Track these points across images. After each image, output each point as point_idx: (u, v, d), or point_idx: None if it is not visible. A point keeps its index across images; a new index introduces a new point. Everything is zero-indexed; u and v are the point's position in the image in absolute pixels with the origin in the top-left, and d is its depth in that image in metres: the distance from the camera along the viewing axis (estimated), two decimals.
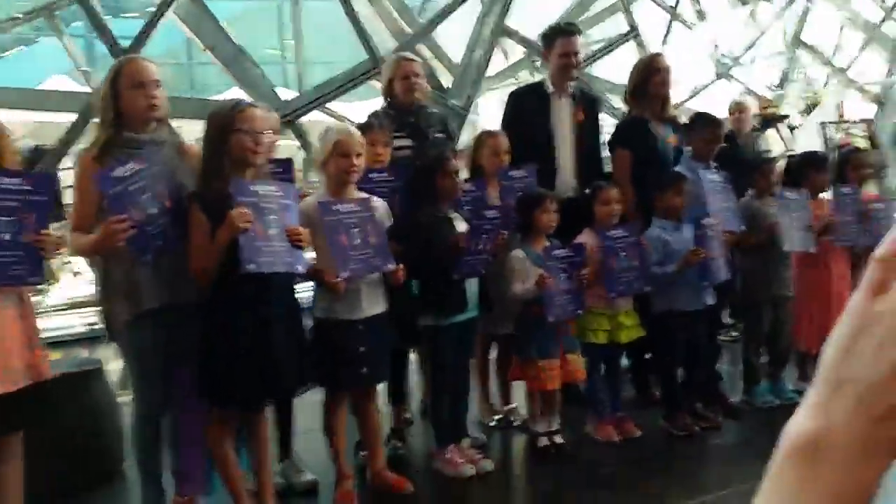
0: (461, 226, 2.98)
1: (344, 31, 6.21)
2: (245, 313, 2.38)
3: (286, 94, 6.78)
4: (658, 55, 3.80)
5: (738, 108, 5.57)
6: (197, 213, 2.34)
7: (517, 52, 8.11)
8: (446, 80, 6.90)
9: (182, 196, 2.38)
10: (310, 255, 2.72)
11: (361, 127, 2.86)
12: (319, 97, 5.95)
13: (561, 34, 3.65)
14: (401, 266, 2.66)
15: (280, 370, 2.43)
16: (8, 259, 1.98)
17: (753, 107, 5.74)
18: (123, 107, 2.38)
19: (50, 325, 6.21)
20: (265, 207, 2.33)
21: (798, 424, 0.43)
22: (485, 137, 3.50)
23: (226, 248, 2.29)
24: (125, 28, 6.14)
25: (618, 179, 3.49)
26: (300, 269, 2.44)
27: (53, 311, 6.52)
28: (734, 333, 4.41)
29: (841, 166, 4.00)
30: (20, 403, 2.09)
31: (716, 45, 8.64)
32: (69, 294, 7.31)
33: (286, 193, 2.41)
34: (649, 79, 3.62)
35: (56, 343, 5.05)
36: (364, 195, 2.72)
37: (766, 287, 3.62)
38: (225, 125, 2.36)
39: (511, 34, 6.86)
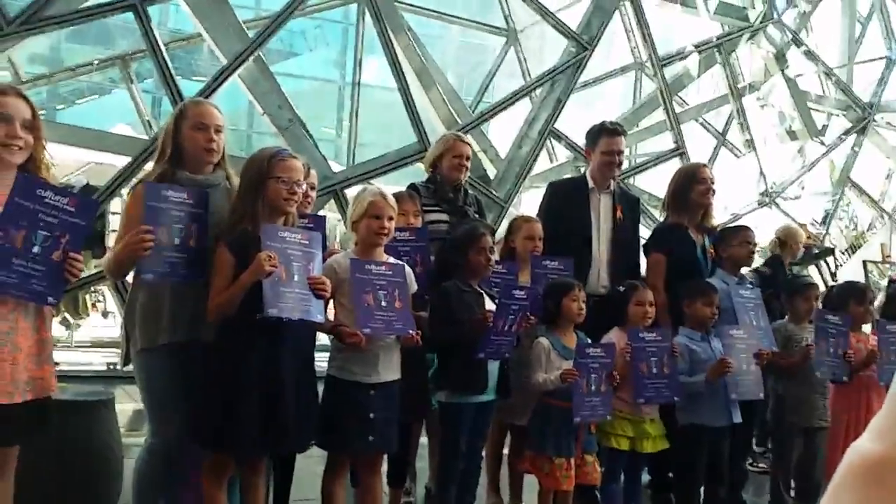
0: (490, 304, 2.93)
1: (398, 118, 6.44)
2: (256, 360, 2.33)
3: (337, 168, 6.97)
4: (703, 165, 3.79)
5: (785, 235, 5.48)
6: (223, 253, 2.34)
7: (563, 155, 8.29)
8: (491, 172, 7.05)
9: (213, 235, 2.40)
10: (329, 312, 2.70)
11: (394, 196, 2.88)
12: (368, 172, 6.09)
13: (606, 132, 3.70)
14: (419, 332, 2.60)
15: (284, 424, 2.35)
16: (31, 272, 1.97)
17: (802, 237, 5.62)
18: (183, 145, 2.45)
19: (71, 359, 6.24)
20: (291, 254, 2.34)
21: (864, 446, 0.40)
22: (520, 222, 3.51)
23: (247, 290, 2.28)
24: (194, 89, 6.44)
25: (651, 283, 3.43)
26: (319, 318, 2.41)
27: (77, 346, 6.55)
28: (762, 465, 4.19)
29: (892, 301, 3.90)
30: (19, 418, 2.04)
31: (761, 175, 8.70)
32: (95, 333, 7.39)
33: (312, 242, 2.41)
34: (691, 187, 3.61)
35: (73, 377, 5.04)
36: (396, 261, 2.71)
37: (796, 414, 3.45)
38: (262, 171, 2.40)
39: (559, 137, 7.03)
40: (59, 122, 10.61)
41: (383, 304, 2.51)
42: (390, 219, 2.67)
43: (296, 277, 2.32)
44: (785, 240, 5.45)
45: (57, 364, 5.65)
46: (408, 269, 2.76)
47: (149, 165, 2.57)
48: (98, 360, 6.18)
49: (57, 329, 7.25)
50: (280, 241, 2.33)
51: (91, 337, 7.12)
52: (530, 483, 3.27)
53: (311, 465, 2.84)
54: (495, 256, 3.18)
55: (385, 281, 2.55)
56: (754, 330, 3.33)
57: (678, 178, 3.69)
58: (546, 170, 7.82)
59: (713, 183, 3.63)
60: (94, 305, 6.56)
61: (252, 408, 2.31)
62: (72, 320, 6.74)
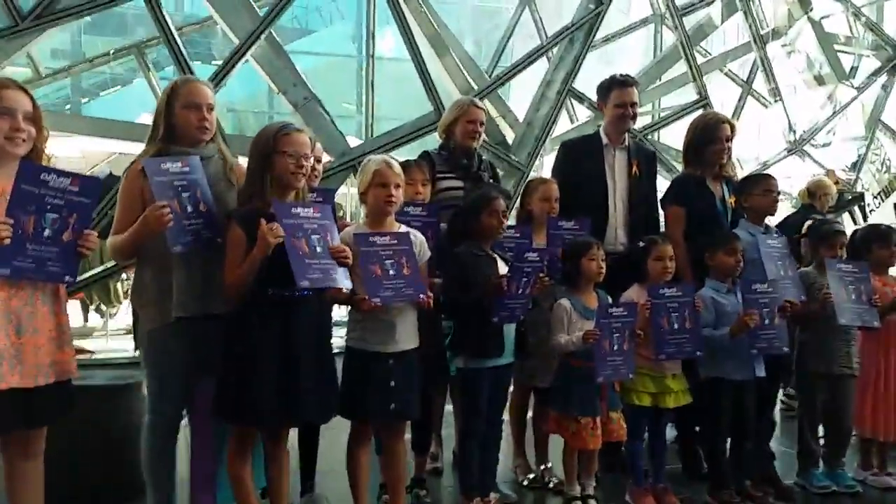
0: (503, 268, 2.93)
1: (416, 90, 6.40)
2: (272, 334, 2.37)
3: (355, 143, 6.98)
4: (722, 123, 3.56)
5: (815, 186, 5.39)
6: (235, 230, 2.37)
7: (584, 115, 8.15)
8: (510, 137, 6.98)
9: (220, 209, 2.42)
10: None
11: (402, 165, 2.87)
12: (384, 145, 6.08)
13: (618, 84, 3.62)
14: (430, 294, 2.61)
15: (301, 395, 2.39)
16: (46, 255, 2.03)
17: (832, 187, 5.54)
18: (175, 124, 2.47)
19: (108, 346, 6.41)
20: (308, 228, 2.36)
21: None
22: (536, 183, 3.48)
23: (261, 265, 2.31)
24: (211, 73, 6.47)
25: (671, 237, 3.38)
26: (347, 284, 2.43)
27: (112, 334, 6.72)
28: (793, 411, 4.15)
29: None
30: (44, 401, 2.11)
31: (789, 123, 8.47)
32: (129, 320, 7.54)
33: (324, 214, 2.43)
34: (706, 146, 3.52)
35: (108, 365, 5.18)
36: (403, 228, 2.71)
37: (820, 362, 3.39)
38: (268, 147, 2.41)
39: (579, 97, 6.90)
40: (84, 114, 10.80)
41: (391, 272, 2.52)
42: (397, 186, 2.67)
43: (318, 249, 2.35)
44: (815, 190, 5.35)
45: (92, 352, 5.81)
46: (418, 235, 2.76)
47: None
48: (132, 347, 6.34)
49: (92, 318, 7.46)
50: (294, 217, 2.36)
51: (126, 324, 7.29)
52: (555, 444, 3.29)
53: (336, 434, 2.89)
54: (509, 221, 3.17)
55: (391, 251, 2.56)
56: (780, 282, 3.27)
57: (693, 132, 3.60)
58: (567, 131, 7.70)
59: (730, 140, 3.53)
60: (126, 293, 6.71)
61: (270, 380, 2.34)
62: (105, 308, 6.91)
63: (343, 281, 2.41)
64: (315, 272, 2.33)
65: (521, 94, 8.49)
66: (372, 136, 7.44)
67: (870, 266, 3.41)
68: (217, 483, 2.55)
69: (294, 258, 2.29)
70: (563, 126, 7.61)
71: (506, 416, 3.33)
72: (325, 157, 5.88)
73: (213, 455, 2.52)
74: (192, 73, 5.41)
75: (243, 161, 2.61)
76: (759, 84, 8.48)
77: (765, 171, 5.98)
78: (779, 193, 3.51)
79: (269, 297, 2.37)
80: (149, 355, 2.50)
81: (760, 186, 3.47)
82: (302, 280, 2.30)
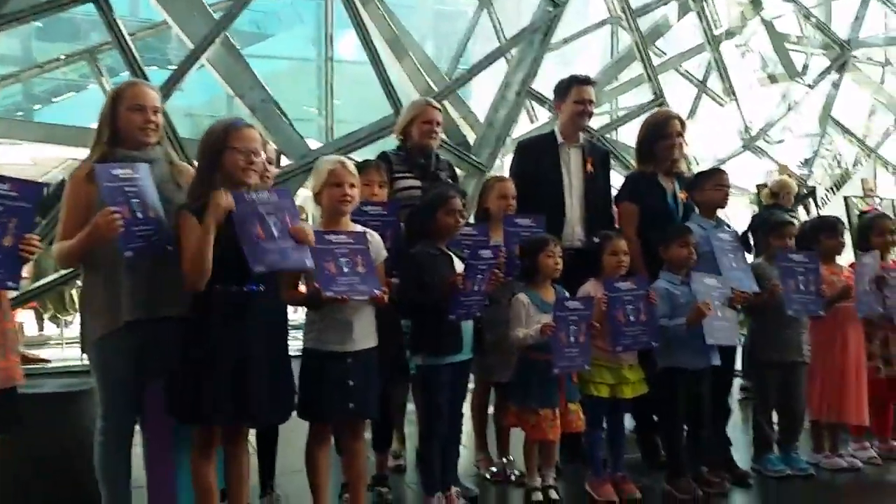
0: (460, 266, 2.95)
1: (378, 93, 6.38)
2: (225, 333, 2.34)
3: (316, 146, 6.93)
4: (672, 119, 3.64)
5: (778, 186, 5.56)
6: (188, 218, 2.34)
7: (544, 116, 8.23)
8: (471, 138, 7.02)
9: (169, 212, 2.40)
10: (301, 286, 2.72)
11: (358, 166, 2.88)
12: (344, 147, 6.05)
13: (577, 82, 3.69)
14: (385, 290, 2.62)
15: (255, 394, 2.36)
16: None
17: (794, 188, 5.76)
18: (120, 127, 2.44)
19: (63, 355, 6.29)
20: (265, 214, 2.34)
21: None
22: (492, 181, 3.53)
23: (218, 254, 2.29)
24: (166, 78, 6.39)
25: (625, 233, 3.44)
26: (309, 264, 2.42)
27: (68, 343, 6.59)
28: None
29: (863, 232, 3.90)
30: None
31: (744, 120, 8.65)
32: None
33: (283, 197, 2.41)
34: (657, 141, 3.60)
35: (64, 373, 5.07)
36: (359, 228, 2.72)
37: (771, 350, 3.49)
38: (218, 143, 2.39)
39: (541, 100, 6.97)
40: (36, 121, 10.57)
41: (345, 270, 2.53)
42: (352, 186, 2.67)
43: (276, 234, 2.34)
44: (778, 191, 5.51)
45: (48, 361, 5.68)
46: (375, 236, 2.76)
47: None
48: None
49: (49, 328, 7.31)
50: (249, 204, 2.33)
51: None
52: (516, 438, 3.32)
53: (295, 435, 2.88)
54: (466, 220, 3.20)
55: (347, 249, 2.55)
56: (734, 273, 3.35)
57: (644, 129, 3.69)
58: (528, 132, 7.76)
59: (680, 136, 3.61)
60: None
61: (223, 380, 2.32)
62: (60, 317, 6.77)
63: (305, 261, 2.40)
64: (272, 255, 2.31)
65: (482, 96, 8.54)
66: (332, 139, 7.42)
67: (819, 256, 3.52)
68: (176, 487, 2.51)
69: (248, 244, 2.27)
70: (524, 127, 7.67)
71: (467, 413, 3.36)
72: (284, 161, 5.87)
73: (169, 459, 2.48)
74: (146, 78, 5.33)
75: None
76: (714, 83, 8.66)
77: (720, 167, 6.13)
78: (729, 188, 3.61)
79: (220, 295, 2.35)
80: (98, 362, 2.46)
81: (712, 181, 3.56)
82: (257, 265, 2.27)
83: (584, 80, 3.70)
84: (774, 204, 5.39)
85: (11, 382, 2.15)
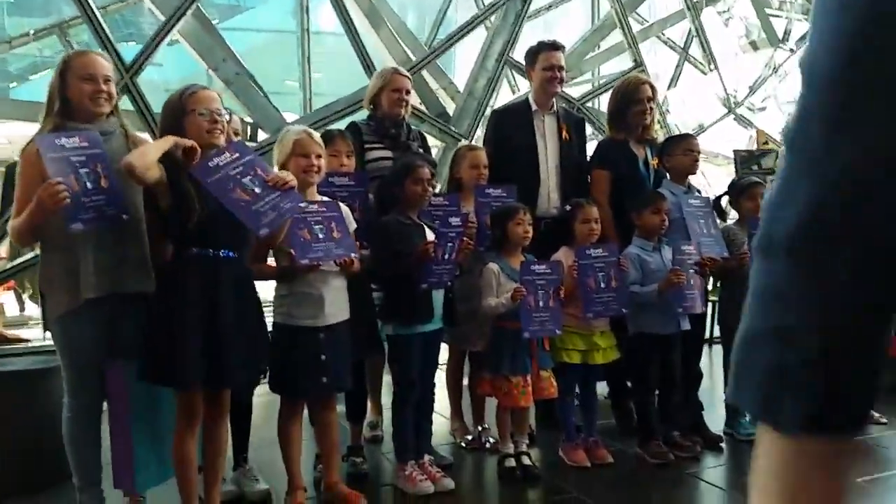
0: (431, 237, 2.94)
1: (357, 65, 6.30)
2: (197, 295, 2.31)
3: (293, 119, 6.86)
4: (641, 83, 3.64)
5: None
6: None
7: (525, 86, 8.17)
8: (451, 109, 6.96)
9: (126, 185, 2.36)
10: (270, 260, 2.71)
11: (324, 137, 2.85)
12: (321, 119, 6.00)
13: (545, 48, 3.65)
14: (357, 256, 2.61)
15: (226, 355, 2.33)
16: None
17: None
18: (71, 97, 2.39)
19: (44, 335, 6.24)
20: (236, 174, 2.31)
21: None
22: (464, 151, 3.50)
23: (186, 226, 2.28)
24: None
25: (596, 200, 3.44)
26: (303, 205, 2.43)
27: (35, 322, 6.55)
28: None
29: None
30: None
31: (724, 88, 8.62)
32: None
33: (242, 153, 2.37)
34: (629, 107, 3.58)
35: (44, 352, 5.04)
36: (327, 199, 2.70)
37: (737, 315, 3.50)
38: (177, 110, 2.36)
39: (522, 70, 6.90)
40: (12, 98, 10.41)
41: (320, 236, 2.53)
42: (318, 156, 2.65)
43: (258, 190, 2.32)
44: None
45: (28, 341, 5.64)
46: (344, 207, 2.75)
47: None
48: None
49: (30, 307, 7.25)
50: (216, 171, 2.29)
51: None
52: (491, 407, 3.35)
53: (269, 407, 2.90)
54: (436, 189, 3.18)
55: (320, 217, 2.55)
56: (704, 238, 3.36)
57: (615, 95, 3.66)
58: (508, 102, 7.71)
59: (651, 101, 3.59)
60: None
61: (195, 342, 2.29)
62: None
63: (297, 203, 2.39)
64: (267, 215, 2.31)
65: (465, 66, 8.45)
66: (311, 111, 7.34)
67: None
68: (133, 461, 2.50)
69: (238, 210, 2.25)
70: (505, 97, 7.62)
71: (443, 382, 3.38)
72: (262, 136, 5.81)
73: (128, 433, 2.47)
74: (117, 54, 5.24)
75: None
76: (697, 51, 8.61)
77: (690, 132, 6.13)
78: (699, 153, 3.60)
79: (194, 259, 2.33)
80: (61, 340, 2.43)
81: (682, 147, 3.55)
82: (260, 229, 2.28)
83: (552, 46, 3.67)
84: (751, 169, 5.41)
85: None
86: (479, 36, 6.91)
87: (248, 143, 3.44)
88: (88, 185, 2.27)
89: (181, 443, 2.41)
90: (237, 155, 2.35)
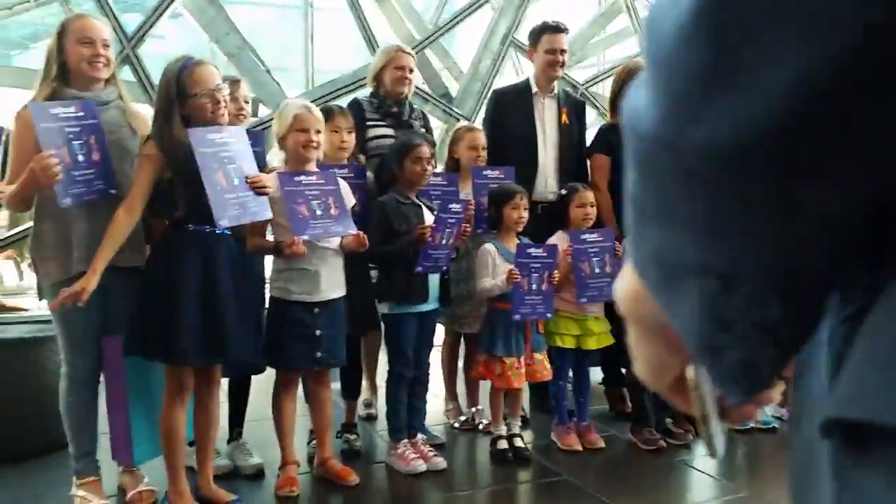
0: (429, 217, 2.94)
1: (360, 42, 6.25)
2: (191, 272, 2.31)
3: (294, 94, 6.82)
4: (643, 67, 3.63)
5: None
6: (151, 146, 2.30)
7: (529, 68, 8.12)
8: (454, 90, 6.93)
9: (121, 157, 2.35)
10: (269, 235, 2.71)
11: (325, 112, 2.83)
12: (324, 96, 5.96)
13: (549, 30, 3.62)
14: (361, 233, 2.61)
15: (225, 330, 2.34)
16: None
17: None
18: (68, 62, 2.36)
19: (42, 304, 6.26)
20: (225, 157, 2.28)
21: None
22: (462, 131, 3.48)
23: (182, 200, 2.28)
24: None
25: (595, 185, 3.43)
26: (268, 215, 2.40)
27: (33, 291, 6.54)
28: None
29: None
30: None
31: None
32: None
33: (239, 139, 2.35)
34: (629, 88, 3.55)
35: (42, 321, 5.06)
36: (327, 171, 2.69)
37: None
38: (173, 91, 2.32)
39: (524, 48, 6.86)
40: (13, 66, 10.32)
41: (318, 212, 2.51)
42: (318, 132, 2.64)
43: (235, 181, 2.29)
44: None
45: (27, 310, 5.66)
46: (342, 182, 2.74)
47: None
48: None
49: (29, 276, 7.26)
50: (210, 144, 2.26)
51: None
52: (485, 389, 3.36)
53: (263, 383, 2.91)
54: (435, 168, 3.17)
55: (318, 190, 2.54)
56: None
57: (617, 79, 3.63)
58: (508, 84, 7.66)
59: None
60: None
61: (192, 319, 2.29)
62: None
63: (262, 212, 2.36)
64: (234, 208, 2.28)
65: (468, 47, 8.39)
66: (312, 87, 7.30)
67: None
68: (131, 432, 2.52)
69: (213, 195, 2.23)
70: (509, 79, 7.57)
71: (438, 363, 3.39)
72: (263, 110, 5.78)
73: (124, 405, 2.49)
74: (118, 22, 5.20)
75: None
76: None
77: None
78: None
79: (191, 234, 2.32)
80: (54, 312, 2.42)
81: None
82: (222, 219, 2.25)
83: (555, 28, 3.63)
84: None
85: None
86: (480, 17, 6.86)
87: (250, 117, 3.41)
88: (80, 157, 2.25)
89: (170, 414, 2.42)
90: (233, 140, 2.33)
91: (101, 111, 2.35)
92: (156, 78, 5.14)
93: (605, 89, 8.19)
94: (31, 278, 7.31)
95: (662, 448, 3.21)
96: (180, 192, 2.30)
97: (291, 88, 7.12)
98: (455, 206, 2.89)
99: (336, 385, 3.06)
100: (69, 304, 2.17)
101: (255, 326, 2.53)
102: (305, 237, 2.49)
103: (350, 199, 2.73)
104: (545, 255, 3.00)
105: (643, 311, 0.52)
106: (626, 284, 0.53)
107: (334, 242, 2.67)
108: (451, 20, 6.68)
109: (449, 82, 7.22)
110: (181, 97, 2.32)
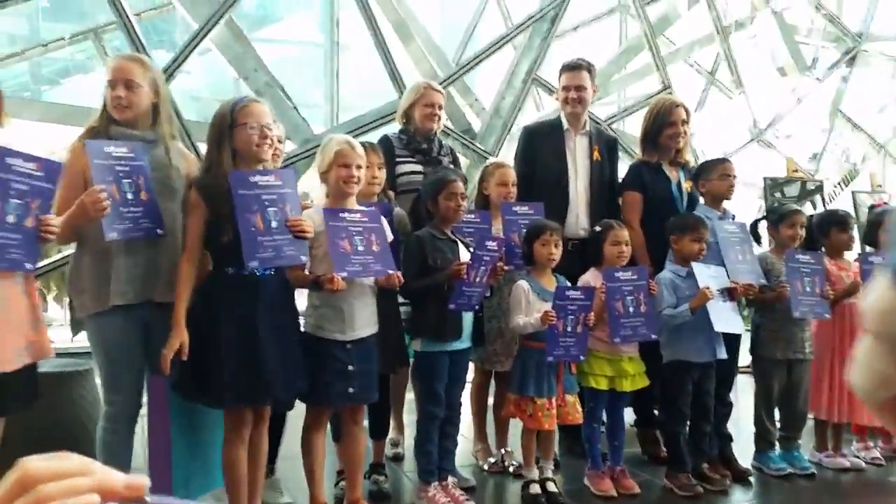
0: (464, 253, 2.91)
1: (384, 80, 6.32)
2: (233, 314, 2.32)
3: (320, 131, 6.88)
4: (676, 105, 3.60)
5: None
6: (192, 195, 2.34)
7: (550, 105, 8.15)
8: (476, 126, 6.96)
9: (165, 197, 2.37)
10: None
11: None
12: (349, 133, 6.00)
13: (565, 68, 3.64)
14: (398, 273, 2.59)
15: (266, 374, 2.34)
16: (9, 241, 1.95)
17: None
18: (106, 101, 2.43)
19: (68, 336, 6.26)
20: (266, 199, 2.29)
21: None
22: (492, 168, 3.47)
23: (221, 244, 2.30)
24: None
25: (627, 222, 3.39)
26: (304, 259, 2.38)
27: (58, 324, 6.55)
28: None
29: (872, 227, 3.83)
30: (10, 387, 2.06)
31: (752, 113, 8.57)
32: None
33: (286, 181, 2.35)
34: (662, 129, 3.55)
35: (67, 354, 5.05)
36: (370, 208, 2.69)
37: (776, 347, 3.43)
38: (225, 121, 2.36)
39: (549, 88, 6.89)
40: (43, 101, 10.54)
41: (360, 248, 2.50)
42: (359, 167, 2.63)
43: (273, 224, 2.28)
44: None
45: (52, 342, 5.68)
46: (383, 218, 2.73)
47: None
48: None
49: (53, 309, 7.29)
50: (251, 187, 2.27)
51: None
52: (515, 430, 3.29)
53: (294, 420, 2.86)
54: (467, 204, 3.15)
55: (361, 227, 2.53)
56: (739, 265, 3.30)
57: (650, 116, 3.63)
58: (534, 121, 7.69)
59: (685, 123, 3.56)
60: None
61: (231, 361, 2.30)
62: (65, 298, 6.75)
63: (298, 257, 2.35)
64: (266, 250, 2.27)
65: (489, 84, 8.46)
66: (337, 124, 7.36)
67: (827, 251, 3.46)
68: (171, 460, 2.48)
69: (245, 235, 2.24)
70: (530, 115, 7.60)
71: (467, 403, 3.32)
72: (289, 146, 5.82)
73: (167, 432, 2.46)
74: (148, 57, 5.29)
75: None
76: (724, 74, 8.55)
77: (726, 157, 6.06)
78: (735, 178, 3.54)
79: (229, 277, 2.33)
80: (95, 335, 2.42)
81: (717, 171, 3.50)
82: (251, 259, 2.25)
83: (569, 66, 3.66)
84: (774, 196, 5.33)
85: (43, 355, 2.14)
86: (503, 54, 6.92)
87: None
88: (129, 195, 2.29)
89: (230, 451, 2.42)
90: (279, 183, 2.33)
91: (147, 151, 2.37)
92: (184, 112, 5.23)
93: (625, 126, 8.22)
94: (54, 310, 7.34)
95: (700, 494, 3.12)
96: (219, 237, 2.32)
97: (315, 124, 7.18)
98: (491, 244, 2.86)
99: (363, 423, 3.00)
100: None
101: (298, 364, 2.50)
102: (344, 275, 2.47)
103: (389, 235, 2.71)
104: (582, 296, 2.96)
105: (891, 328, 0.62)
106: (877, 300, 0.63)
107: (370, 279, 2.65)
108: (475, 58, 6.73)
109: (471, 118, 7.26)
110: (232, 127, 2.35)
